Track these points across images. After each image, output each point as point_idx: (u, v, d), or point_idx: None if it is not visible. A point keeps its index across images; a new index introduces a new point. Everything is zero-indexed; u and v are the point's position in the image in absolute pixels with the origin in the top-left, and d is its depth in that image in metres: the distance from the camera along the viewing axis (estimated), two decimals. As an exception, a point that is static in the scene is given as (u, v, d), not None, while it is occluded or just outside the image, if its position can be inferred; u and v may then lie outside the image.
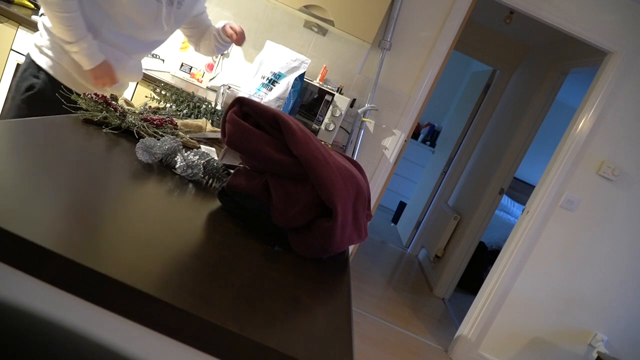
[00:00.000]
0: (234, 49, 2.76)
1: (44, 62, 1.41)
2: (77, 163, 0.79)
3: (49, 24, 1.36)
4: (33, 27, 2.15)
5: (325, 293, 0.71)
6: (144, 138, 0.96)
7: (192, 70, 2.63)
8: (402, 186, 6.38)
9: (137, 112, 1.20)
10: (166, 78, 2.34)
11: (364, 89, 2.79)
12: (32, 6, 2.38)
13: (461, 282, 4.15)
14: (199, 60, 2.64)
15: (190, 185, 0.93)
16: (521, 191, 5.88)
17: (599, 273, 2.87)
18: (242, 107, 0.86)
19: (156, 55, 2.67)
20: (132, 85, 2.25)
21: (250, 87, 2.18)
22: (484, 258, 4.23)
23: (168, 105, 1.50)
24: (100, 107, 1.07)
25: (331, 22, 2.39)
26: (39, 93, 1.40)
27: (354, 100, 2.75)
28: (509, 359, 2.99)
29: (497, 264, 2.96)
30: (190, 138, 1.23)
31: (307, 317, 0.60)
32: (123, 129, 1.08)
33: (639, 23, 2.66)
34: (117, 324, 0.50)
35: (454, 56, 6.16)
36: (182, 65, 2.61)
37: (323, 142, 0.89)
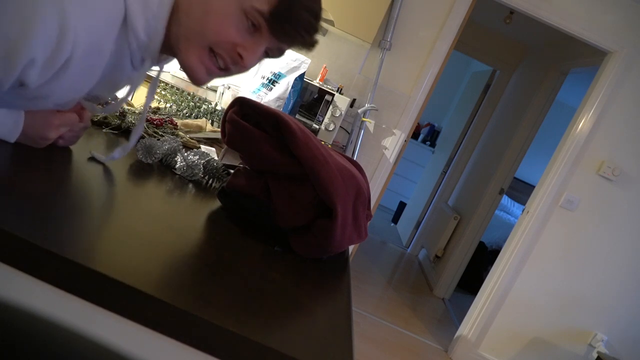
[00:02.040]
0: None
1: None
2: (76, 163, 0.79)
3: None
4: None
5: (325, 293, 0.71)
6: (144, 138, 0.96)
7: (192, 70, 2.62)
8: (402, 186, 6.38)
9: (137, 112, 1.20)
10: (166, 78, 2.34)
11: (364, 89, 2.79)
12: None
13: (461, 282, 4.15)
14: (199, 60, 2.63)
15: (190, 185, 0.93)
16: (521, 191, 5.87)
17: (599, 273, 2.87)
18: (242, 107, 0.86)
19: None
20: (132, 85, 2.24)
21: (250, 87, 2.18)
22: (484, 258, 4.23)
23: (168, 105, 1.50)
24: (100, 107, 1.07)
25: (331, 22, 2.39)
26: None
27: (354, 100, 2.75)
28: (509, 359, 2.99)
29: (497, 264, 2.96)
30: (190, 138, 1.23)
31: (307, 317, 0.60)
32: (123, 129, 1.08)
33: (639, 23, 2.66)
34: (117, 324, 0.50)
35: (454, 56, 6.14)
36: (182, 65, 2.61)
37: (323, 142, 0.89)
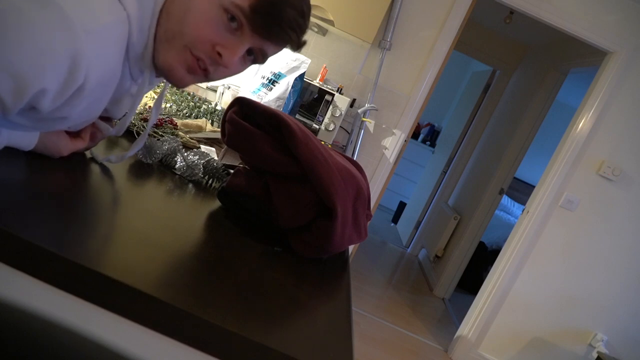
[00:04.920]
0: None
1: None
2: (75, 163, 0.79)
3: None
4: None
5: (325, 293, 0.71)
6: (144, 138, 0.96)
7: (192, 70, 2.62)
8: (402, 186, 6.37)
9: (137, 112, 1.20)
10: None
11: (364, 89, 2.79)
12: None
13: (461, 282, 4.15)
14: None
15: (190, 185, 0.93)
16: (521, 191, 5.87)
17: (599, 273, 2.87)
18: (242, 107, 0.86)
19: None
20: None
21: (250, 87, 2.18)
22: (484, 258, 4.23)
23: (168, 105, 1.50)
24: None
25: (331, 22, 2.39)
26: None
27: (354, 100, 2.75)
28: (509, 359, 2.99)
29: (497, 264, 2.96)
30: (190, 138, 1.23)
31: (307, 317, 0.60)
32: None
33: (639, 23, 2.66)
34: (117, 324, 0.50)
35: (454, 56, 6.14)
36: (182, 65, 2.61)
37: (323, 142, 0.89)
